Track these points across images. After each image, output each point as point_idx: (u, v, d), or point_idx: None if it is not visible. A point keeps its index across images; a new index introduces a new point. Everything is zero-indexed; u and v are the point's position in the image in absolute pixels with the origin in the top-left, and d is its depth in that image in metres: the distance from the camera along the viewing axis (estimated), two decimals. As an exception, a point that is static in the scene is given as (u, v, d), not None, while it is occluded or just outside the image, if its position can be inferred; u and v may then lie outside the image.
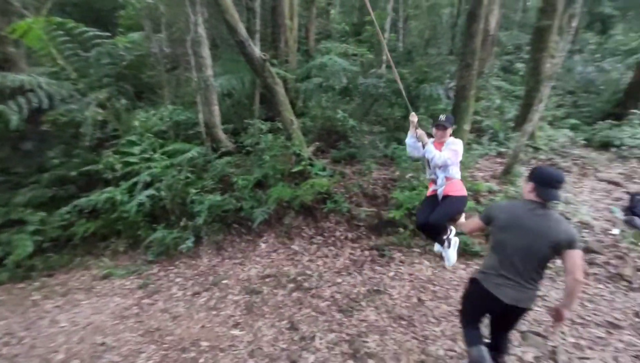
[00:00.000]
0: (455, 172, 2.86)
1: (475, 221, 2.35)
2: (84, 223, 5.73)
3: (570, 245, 1.93)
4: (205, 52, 6.22)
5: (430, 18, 11.30)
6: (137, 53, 7.06)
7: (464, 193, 2.88)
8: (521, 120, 6.28)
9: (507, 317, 2.23)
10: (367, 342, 3.23)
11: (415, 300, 3.78)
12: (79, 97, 6.38)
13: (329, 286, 4.19)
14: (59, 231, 5.76)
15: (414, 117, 3.04)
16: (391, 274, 4.28)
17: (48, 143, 6.75)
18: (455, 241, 3.02)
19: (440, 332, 3.27)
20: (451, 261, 3.02)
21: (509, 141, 6.27)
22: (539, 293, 3.67)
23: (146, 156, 5.82)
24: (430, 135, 3.03)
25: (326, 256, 4.74)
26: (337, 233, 5.00)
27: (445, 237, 2.95)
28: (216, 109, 6.44)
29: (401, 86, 3.40)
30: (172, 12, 6.72)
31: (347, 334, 3.37)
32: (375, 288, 4.03)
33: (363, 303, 3.81)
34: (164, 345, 3.51)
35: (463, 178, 4.62)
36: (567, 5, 5.95)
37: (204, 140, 6.37)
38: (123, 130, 6.30)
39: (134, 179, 5.57)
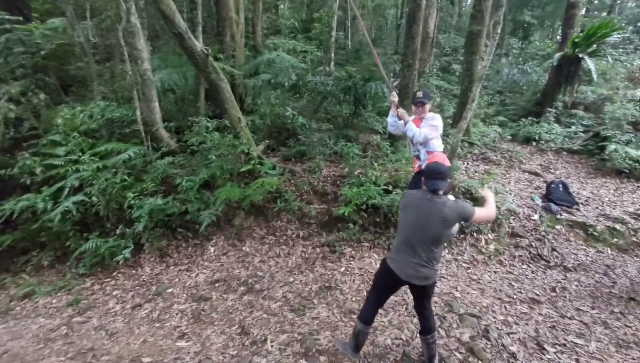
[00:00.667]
0: (437, 145, 3.06)
1: None
2: (-1, 236, 4.99)
3: (463, 216, 2.33)
4: (141, 44, 5.73)
5: (376, 19, 11.68)
6: (58, 42, 6.28)
7: (448, 163, 3.02)
8: (458, 117, 6.77)
9: (413, 294, 2.61)
10: (318, 339, 3.25)
11: (364, 293, 3.89)
12: (-14, 91, 5.52)
13: (281, 287, 4.15)
14: (-36, 247, 4.95)
15: (394, 97, 3.18)
16: (342, 269, 4.36)
17: (-54, 144, 5.75)
18: None
19: (388, 322, 3.41)
20: None
21: (448, 136, 6.73)
22: (441, 273, 4.07)
23: (73, 157, 5.21)
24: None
25: (278, 256, 4.68)
26: (289, 232, 4.97)
27: None
28: (156, 105, 5.98)
29: (383, 72, 3.91)
30: (101, -1, 6.09)
31: (299, 333, 3.36)
32: (326, 284, 4.08)
33: (315, 301, 3.83)
34: (99, 366, 3.20)
35: (408, 172, 4.81)
36: (493, 13, 6.52)
37: (143, 139, 5.89)
38: (43, 129, 5.59)
39: (59, 184, 4.96)
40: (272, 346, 3.23)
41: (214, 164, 5.23)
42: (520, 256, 4.52)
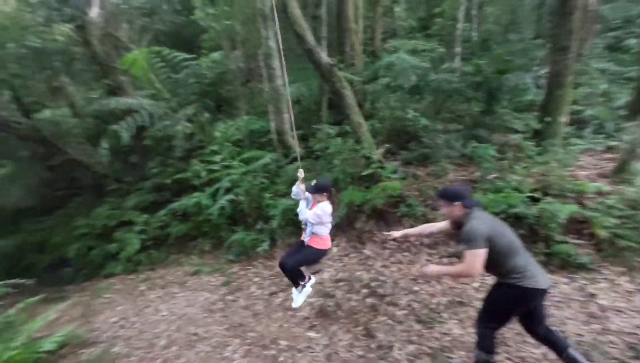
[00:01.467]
0: (322, 231, 3.19)
1: (483, 253, 2.23)
2: (177, 225, 6.48)
3: None
4: (276, 63, 6.55)
5: (509, 2, 10.19)
6: (217, 71, 7.78)
7: (325, 247, 3.26)
8: (636, 107, 5.23)
9: (537, 308, 2.42)
10: (452, 357, 2.98)
11: (506, 315, 3.37)
12: (172, 114, 7.29)
13: (405, 294, 3.99)
14: (158, 231, 6.63)
15: (301, 174, 3.23)
16: (476, 285, 3.89)
17: (149, 155, 7.85)
18: (308, 290, 3.34)
19: (542, 355, 2.85)
20: (297, 303, 3.33)
21: (621, 132, 5.25)
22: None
23: (226, 163, 6.34)
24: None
25: (400, 262, 4.54)
26: (412, 238, 4.75)
27: (301, 282, 3.30)
28: (287, 116, 6.71)
29: None
30: (247, 30, 7.25)
31: (429, 347, 3.15)
32: (457, 299, 3.72)
33: (444, 315, 3.54)
34: (247, 340, 3.73)
35: (562, 177, 4.05)
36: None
37: (276, 147, 6.70)
38: (207, 141, 6.98)
39: (216, 185, 6.11)
40: (399, 354, 3.13)
41: (336, 168, 5.49)
42: None
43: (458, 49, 7.19)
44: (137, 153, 8.17)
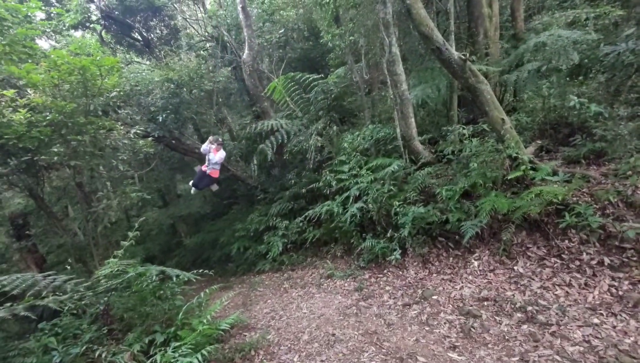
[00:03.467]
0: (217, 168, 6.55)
1: None
2: (312, 230, 7.10)
3: None
4: (400, 68, 6.44)
5: None
6: (342, 85, 8.25)
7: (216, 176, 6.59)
8: None
9: None
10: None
11: None
12: (304, 130, 8.12)
13: (579, 327, 3.19)
14: (296, 235, 7.43)
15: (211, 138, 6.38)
16: None
17: (287, 168, 8.94)
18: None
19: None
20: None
21: None
22: None
23: (354, 172, 6.58)
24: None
25: (569, 285, 3.66)
26: (585, 256, 3.78)
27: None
28: (412, 121, 6.48)
29: None
30: (369, 41, 7.42)
31: (625, 402, 2.40)
32: (669, 344, 2.72)
33: (647, 363, 2.64)
34: (383, 350, 3.70)
35: None
36: None
37: (402, 153, 6.54)
38: (335, 152, 7.44)
39: (346, 194, 6.39)
40: (578, 403, 2.50)
41: (474, 172, 4.93)
42: None
43: (646, 7, 5.40)
44: (278, 166, 9.43)
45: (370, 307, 4.68)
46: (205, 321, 3.78)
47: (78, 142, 5.17)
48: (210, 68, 9.62)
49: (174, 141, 9.10)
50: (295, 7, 10.32)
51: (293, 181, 8.32)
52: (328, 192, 6.87)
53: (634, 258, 3.52)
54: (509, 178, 4.58)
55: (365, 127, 7.48)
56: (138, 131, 6.47)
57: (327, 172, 7.04)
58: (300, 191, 7.89)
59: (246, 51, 9.03)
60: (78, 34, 12.26)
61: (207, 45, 11.80)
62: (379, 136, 6.99)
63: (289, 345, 4.23)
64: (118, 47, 12.23)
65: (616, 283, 3.46)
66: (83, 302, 3.97)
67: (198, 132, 11.42)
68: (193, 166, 8.63)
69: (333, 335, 4.22)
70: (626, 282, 3.42)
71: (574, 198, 4.06)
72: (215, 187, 7.29)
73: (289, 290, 6.09)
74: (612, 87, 4.88)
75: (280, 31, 9.97)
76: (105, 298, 4.27)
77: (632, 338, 2.91)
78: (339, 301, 5.05)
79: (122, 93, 6.50)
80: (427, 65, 7.75)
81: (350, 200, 6.18)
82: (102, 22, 11.28)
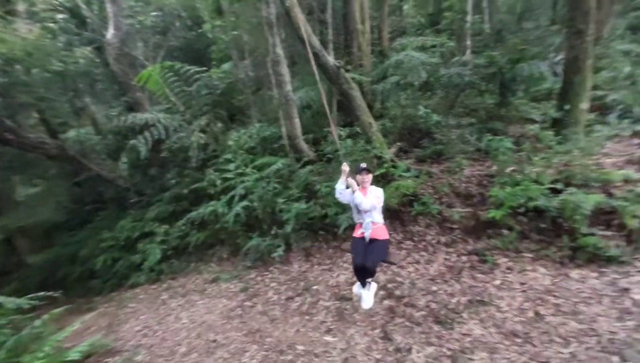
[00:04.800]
0: (380, 218, 3.08)
1: None
2: (196, 233, 6.62)
3: None
4: (284, 70, 6.60)
5: (522, -12, 9.87)
6: (228, 81, 7.95)
7: (387, 236, 3.11)
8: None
9: None
10: (473, 359, 2.87)
11: (531, 314, 3.22)
12: (186, 126, 7.49)
13: (423, 295, 3.89)
14: (178, 240, 6.80)
15: (345, 167, 3.09)
16: (497, 282, 3.74)
17: (166, 167, 8.09)
18: (374, 285, 3.13)
19: (570, 355, 2.69)
20: (369, 304, 3.04)
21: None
22: None
23: (240, 171, 6.42)
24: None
25: (417, 262, 4.43)
26: (428, 237, 4.64)
27: (369, 280, 3.04)
28: (297, 121, 6.74)
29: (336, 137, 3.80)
30: (254, 39, 7.37)
31: (449, 349, 3.05)
32: (478, 298, 3.58)
33: (464, 315, 3.42)
34: (265, 346, 3.74)
35: (585, 166, 3.94)
36: None
37: (288, 152, 6.73)
38: (220, 150, 7.12)
39: (231, 193, 6.19)
40: (418, 357, 3.04)
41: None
42: None
43: (468, 42, 7.01)
44: (156, 165, 8.43)
45: (255, 306, 4.65)
46: (42, 355, 3.06)
47: None
48: (61, 45, 7.88)
49: (6, 133, 7.12)
50: (173, -11, 9.43)
51: (174, 181, 7.60)
52: (213, 192, 6.52)
53: (459, 236, 4.51)
54: (375, 174, 5.23)
55: (252, 125, 7.41)
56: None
57: (212, 171, 6.69)
58: (182, 191, 7.26)
59: (111, 31, 7.76)
60: None
61: (59, 17, 9.63)
62: (266, 135, 7.03)
63: (163, 362, 3.83)
64: None
65: (448, 257, 4.37)
66: None
67: (46, 123, 9.20)
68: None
69: (214, 341, 4.04)
70: (454, 255, 4.36)
71: (421, 190, 4.95)
72: (395, 261, 4.29)
73: (168, 301, 5.53)
74: (447, 101, 6.14)
75: (154, 14, 8.91)
76: None
77: (456, 299, 3.71)
78: (223, 305, 4.86)
79: None
80: (311, 69, 8.17)
81: (236, 199, 6.01)
82: None
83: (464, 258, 4.23)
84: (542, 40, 7.09)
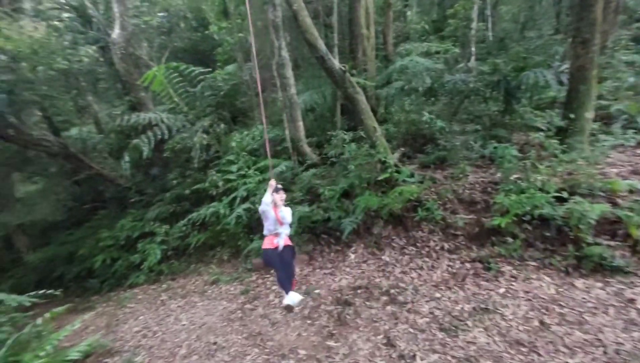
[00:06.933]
0: (288, 230, 3.55)
1: None
2: (196, 235, 6.58)
3: None
4: (289, 72, 6.62)
5: (526, -1, 9.97)
6: (232, 82, 7.95)
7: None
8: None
9: None
10: (478, 368, 2.84)
11: (536, 323, 3.19)
12: (189, 126, 7.49)
13: (427, 302, 3.86)
14: (178, 241, 6.76)
15: (273, 183, 3.50)
16: (501, 290, 3.72)
17: (168, 167, 8.06)
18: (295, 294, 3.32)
19: (577, 366, 2.66)
20: (298, 298, 3.25)
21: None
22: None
23: (242, 173, 6.41)
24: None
25: (420, 268, 4.41)
26: (432, 243, 4.62)
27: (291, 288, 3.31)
28: (300, 124, 6.75)
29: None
30: (260, 41, 7.39)
31: (453, 357, 3.02)
32: (482, 306, 3.55)
33: (469, 323, 3.39)
34: (266, 350, 3.70)
35: (590, 175, 3.98)
36: None
37: (291, 154, 6.73)
38: (223, 151, 7.11)
39: (233, 195, 6.17)
40: (422, 364, 3.01)
41: (352, 173, 5.44)
42: None
43: (473, 49, 7.05)
44: (158, 165, 8.41)
45: (255, 309, 4.61)
46: (43, 354, 3.01)
47: None
48: (67, 43, 7.88)
49: (9, 130, 7.09)
50: (180, -9, 9.47)
51: (175, 182, 7.56)
52: (215, 193, 6.49)
53: (463, 242, 4.49)
54: (379, 179, 5.24)
55: (256, 127, 7.41)
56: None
57: (214, 172, 6.66)
58: (184, 192, 7.22)
59: (117, 30, 7.78)
60: None
61: (65, 15, 9.65)
62: (269, 137, 7.00)
63: (162, 364, 3.79)
64: None
65: (452, 263, 4.34)
66: None
67: (48, 121, 9.18)
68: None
69: (214, 343, 4.00)
70: (458, 262, 4.33)
71: (425, 196, 4.93)
72: (304, 257, 4.91)
73: (167, 302, 5.48)
74: (452, 108, 6.15)
75: (160, 14, 8.95)
76: None
77: (460, 306, 3.68)
78: (223, 307, 4.82)
79: None
80: (315, 73, 8.20)
81: (238, 201, 5.99)
82: None
83: (468, 265, 4.21)
84: (545, 49, 7.13)
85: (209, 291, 5.44)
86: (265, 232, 3.51)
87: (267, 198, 3.45)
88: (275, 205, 3.42)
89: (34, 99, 7.25)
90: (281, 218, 3.41)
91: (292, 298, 3.19)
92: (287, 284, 3.27)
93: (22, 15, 8.72)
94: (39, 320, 3.31)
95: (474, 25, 7.10)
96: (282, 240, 3.38)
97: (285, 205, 3.56)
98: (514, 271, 3.90)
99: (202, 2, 8.47)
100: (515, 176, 4.55)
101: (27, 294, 3.47)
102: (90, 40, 8.83)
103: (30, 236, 10.13)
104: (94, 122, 10.58)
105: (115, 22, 7.98)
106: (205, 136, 7.08)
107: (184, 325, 4.60)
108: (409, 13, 12.11)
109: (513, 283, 3.77)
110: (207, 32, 8.06)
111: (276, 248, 3.35)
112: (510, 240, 4.13)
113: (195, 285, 5.82)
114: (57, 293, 3.79)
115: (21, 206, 10.26)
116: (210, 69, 7.59)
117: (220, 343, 3.98)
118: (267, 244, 3.42)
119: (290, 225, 3.67)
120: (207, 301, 5.11)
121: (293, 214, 5.30)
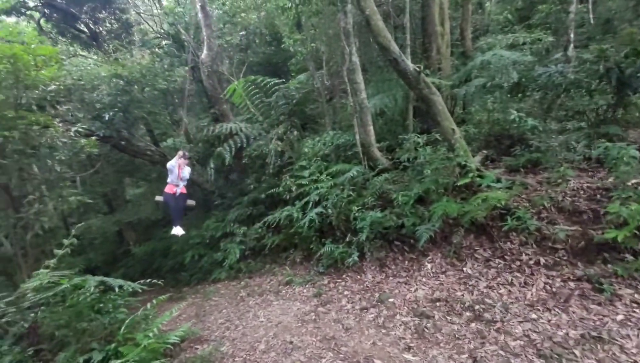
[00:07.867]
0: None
1: None
2: (271, 236, 6.95)
3: None
4: (359, 77, 6.63)
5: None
6: (303, 91, 8.28)
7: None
8: None
9: None
10: (592, 407, 2.40)
11: (673, 362, 2.59)
12: (265, 134, 7.99)
13: (520, 322, 3.44)
14: (254, 242, 7.22)
15: (181, 152, 5.81)
16: (619, 318, 3.12)
17: (246, 172, 8.71)
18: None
19: None
20: (179, 234, 6.00)
21: None
22: None
23: (314, 178, 6.58)
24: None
25: (511, 284, 3.94)
26: (524, 257, 4.11)
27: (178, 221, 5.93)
28: (371, 128, 6.68)
29: None
30: (330, 49, 7.56)
31: (558, 390, 2.61)
32: (594, 333, 3.02)
33: (576, 352, 2.91)
34: (340, 355, 3.69)
35: None
36: None
37: (361, 159, 6.69)
38: (296, 157, 7.41)
39: (306, 199, 6.36)
40: (519, 394, 2.67)
41: (427, 178, 5.17)
42: None
43: (572, 36, 6.14)
44: (237, 171, 9.15)
45: (328, 312, 4.65)
46: (151, 335, 3.48)
47: (5, 138, 4.58)
48: (166, 67, 9.13)
49: (122, 142, 8.46)
50: (257, 10, 10.23)
51: (252, 186, 8.12)
52: (288, 197, 6.79)
53: (565, 258, 3.90)
54: (458, 184, 4.87)
55: (326, 133, 7.55)
56: (80, 130, 5.91)
57: (287, 177, 6.97)
58: (260, 196, 7.71)
59: (205, 52, 8.73)
60: (12, 20, 11.00)
61: (163, 43, 11.22)
62: (339, 142, 7.09)
63: (244, 356, 4.05)
64: (60, 38, 11.16)
65: (550, 281, 3.79)
66: (4, 320, 3.46)
67: (151, 133, 10.73)
68: (153, 198, 6.85)
69: (291, 342, 4.13)
70: (558, 280, 3.77)
71: (515, 203, 4.42)
72: (192, 203, 6.79)
73: (246, 299, 5.87)
74: (545, 104, 5.44)
75: (241, 33, 9.79)
76: (32, 315, 3.77)
77: (564, 331, 3.19)
78: (297, 308, 4.97)
79: (62, 87, 5.91)
80: (385, 76, 8.06)
81: (310, 205, 6.15)
82: (41, 9, 10.25)
83: (572, 284, 3.63)
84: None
85: (283, 291, 5.67)
86: (168, 181, 5.82)
87: (174, 161, 5.72)
88: (179, 166, 5.71)
89: (142, 115, 8.53)
90: (182, 175, 5.83)
91: (178, 231, 5.81)
92: (176, 219, 5.83)
93: (133, 46, 10.42)
94: (149, 305, 3.86)
95: (572, 8, 6.19)
96: (179, 189, 5.77)
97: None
98: (636, 296, 3.24)
99: (277, 17, 9.02)
100: (634, 180, 3.80)
101: (139, 281, 4.04)
102: (184, 62, 10.08)
103: (137, 232, 11.89)
104: (184, 134, 12.01)
105: (203, 44, 8.97)
106: (279, 142, 7.48)
107: (261, 321, 4.87)
108: (487, 4, 11.17)
109: (636, 310, 3.14)
110: (282, 45, 8.54)
111: (174, 194, 5.73)
112: (629, 257, 3.45)
113: (270, 285, 6.13)
114: (160, 282, 4.35)
115: (131, 206, 12.16)
116: (283, 80, 8.01)
117: (295, 343, 4.09)
118: (168, 189, 5.76)
119: (187, 181, 6.04)
120: (282, 301, 5.33)
121: (364, 219, 5.36)
